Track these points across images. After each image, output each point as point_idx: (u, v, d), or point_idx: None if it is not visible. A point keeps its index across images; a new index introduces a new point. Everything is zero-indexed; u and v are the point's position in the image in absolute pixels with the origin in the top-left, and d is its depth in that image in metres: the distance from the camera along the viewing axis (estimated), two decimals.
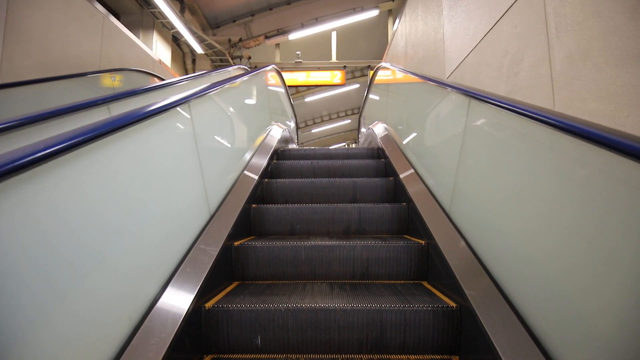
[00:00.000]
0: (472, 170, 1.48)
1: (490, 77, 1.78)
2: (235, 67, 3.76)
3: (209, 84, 1.84)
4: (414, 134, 2.55)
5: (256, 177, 2.52)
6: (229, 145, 2.27)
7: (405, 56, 3.62)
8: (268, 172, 3.05)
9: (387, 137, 3.44)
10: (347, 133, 21.71)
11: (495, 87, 1.72)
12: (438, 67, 2.61)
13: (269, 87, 3.99)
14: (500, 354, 1.00)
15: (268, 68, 3.81)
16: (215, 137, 1.99)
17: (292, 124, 6.06)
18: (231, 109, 2.42)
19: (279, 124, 4.45)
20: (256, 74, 3.27)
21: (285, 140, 4.58)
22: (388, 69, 3.63)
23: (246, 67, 4.05)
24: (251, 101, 3.09)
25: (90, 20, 3.74)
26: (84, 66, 3.59)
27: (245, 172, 2.48)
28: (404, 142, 2.80)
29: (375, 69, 4.37)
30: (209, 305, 1.37)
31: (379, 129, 3.91)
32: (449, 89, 1.70)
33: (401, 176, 2.44)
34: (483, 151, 1.43)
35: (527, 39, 1.47)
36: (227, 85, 2.13)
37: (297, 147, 5.94)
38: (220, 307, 1.36)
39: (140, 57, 4.95)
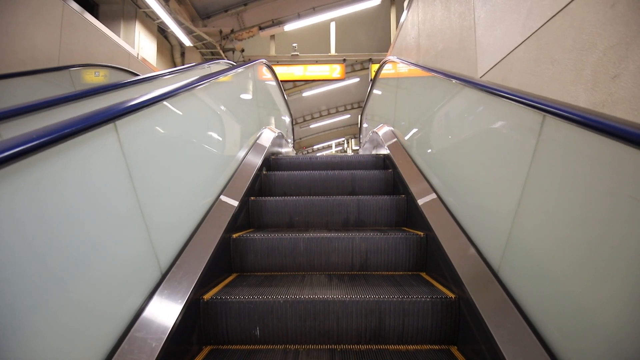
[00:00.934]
0: (544, 218, 1.00)
1: (560, 80, 1.24)
2: (215, 62, 3.19)
3: (157, 92, 1.28)
4: (435, 149, 2.02)
5: (236, 203, 1.99)
6: (197, 169, 1.73)
7: (417, 49, 3.05)
8: (255, 189, 2.53)
9: (396, 146, 2.90)
10: (346, 128, 21.17)
11: (571, 96, 1.17)
12: (465, 63, 2.06)
13: (258, 86, 3.43)
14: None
15: (256, 63, 3.24)
16: (172, 162, 1.45)
17: (287, 125, 5.49)
18: (200, 121, 1.88)
19: (271, 127, 3.90)
20: (240, 71, 2.71)
21: (279, 145, 4.03)
22: (396, 63, 3.07)
23: (232, 62, 3.48)
24: (233, 105, 2.54)
25: (44, 7, 3.16)
26: (38, 61, 3.02)
27: (222, 197, 1.95)
28: (420, 155, 2.27)
29: (381, 63, 3.80)
30: (207, 297, 1.37)
31: (386, 134, 3.36)
32: (499, 96, 1.16)
33: (420, 202, 1.92)
34: (568, 195, 0.90)
35: (637, 24, 0.93)
36: (187, 91, 1.57)
37: (292, 153, 5.38)
38: (219, 298, 1.37)
39: (113, 50, 4.36)
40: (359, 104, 17.70)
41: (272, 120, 4.16)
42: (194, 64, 2.55)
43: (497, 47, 1.73)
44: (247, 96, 2.96)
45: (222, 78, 2.17)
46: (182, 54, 8.89)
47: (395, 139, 3.02)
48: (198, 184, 1.71)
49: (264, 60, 3.54)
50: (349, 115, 18.60)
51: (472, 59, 2.00)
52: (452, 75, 1.52)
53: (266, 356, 1.28)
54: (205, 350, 1.32)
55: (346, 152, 23.94)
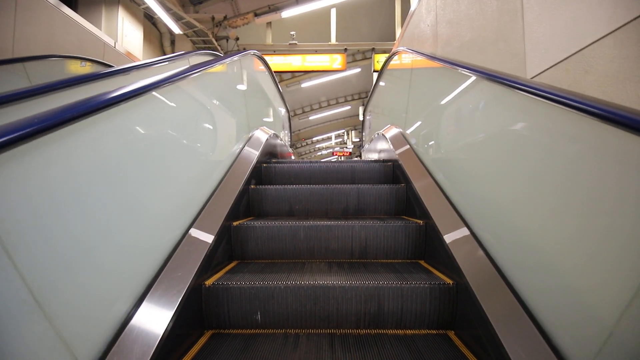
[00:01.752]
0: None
1: None
2: (195, 53, 2.69)
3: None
4: (466, 170, 1.57)
5: (211, 238, 1.55)
6: (153, 197, 1.28)
7: (434, 39, 2.56)
8: (241, 210, 2.09)
9: (409, 155, 2.45)
10: (346, 119, 20.68)
11: None
12: (506, 58, 1.59)
13: (247, 82, 2.95)
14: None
15: (244, 55, 2.75)
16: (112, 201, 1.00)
17: (283, 121, 5.01)
18: (163, 132, 1.42)
19: (263, 128, 3.43)
20: (222, 65, 2.23)
21: (272, 148, 3.57)
22: (411, 56, 2.59)
23: (217, 53, 2.98)
24: (213, 108, 2.08)
25: None
26: None
27: (192, 230, 1.51)
28: (442, 172, 1.83)
29: (390, 55, 3.31)
30: (209, 282, 1.39)
31: (395, 138, 2.90)
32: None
33: (447, 239, 1.48)
34: None
35: None
36: (139, 96, 1.12)
37: (289, 151, 4.91)
38: (221, 284, 1.39)
39: (83, 39, 3.83)
40: (359, 95, 17.14)
41: (265, 120, 3.68)
42: (161, 57, 2.07)
43: (560, 39, 1.26)
44: (232, 95, 2.49)
45: (196, 75, 1.71)
46: (172, 42, 8.31)
47: (407, 146, 2.56)
48: (150, 225, 1.26)
49: (255, 52, 3.05)
50: (349, 107, 18.06)
51: (518, 54, 1.53)
52: (524, 84, 1.03)
53: (267, 340, 1.29)
54: (207, 334, 1.34)
55: (346, 144, 23.49)
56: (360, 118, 15.92)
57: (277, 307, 1.37)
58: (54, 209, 0.80)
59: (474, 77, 1.40)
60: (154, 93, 1.31)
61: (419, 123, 2.41)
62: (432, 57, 1.82)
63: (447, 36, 2.44)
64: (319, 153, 28.30)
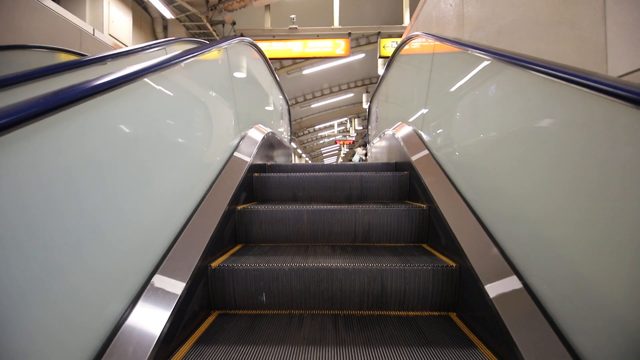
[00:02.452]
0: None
1: None
2: (177, 40, 2.26)
3: None
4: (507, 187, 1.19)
5: (179, 289, 1.19)
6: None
7: (459, 21, 2.12)
8: (225, 236, 1.73)
9: (428, 163, 2.05)
10: (349, 107, 20.13)
11: None
12: (571, 47, 1.19)
13: (237, 75, 2.53)
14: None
15: (232, 43, 2.32)
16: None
17: (281, 115, 4.59)
18: (127, 144, 1.05)
19: (259, 126, 3.02)
20: (204, 56, 1.82)
21: (269, 149, 3.18)
22: (430, 40, 2.16)
23: (201, 40, 2.55)
24: (192, 109, 1.68)
25: None
26: None
27: (155, 277, 1.15)
28: (474, 191, 1.45)
29: (403, 41, 2.86)
30: (214, 264, 1.43)
31: (409, 139, 2.50)
32: None
33: (482, 278, 1.11)
34: None
35: None
36: (97, 95, 0.77)
37: (288, 151, 4.51)
38: (226, 266, 1.43)
39: (56, 26, 3.38)
40: (363, 81, 16.53)
41: (260, 116, 3.27)
42: (127, 48, 1.66)
43: None
44: (216, 92, 2.09)
45: (167, 69, 1.32)
46: (165, 28, 7.80)
47: (426, 152, 2.16)
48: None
49: (246, 39, 2.61)
50: (352, 94, 17.48)
51: (593, 42, 1.11)
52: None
53: (272, 320, 1.33)
54: (214, 314, 1.39)
55: (349, 132, 22.97)
56: (364, 106, 15.39)
57: (282, 288, 1.41)
58: None
59: (553, 80, 0.96)
60: (100, 98, 0.92)
61: (442, 125, 2.01)
62: (473, 47, 1.39)
63: (478, 18, 1.99)
64: (322, 141, 27.77)
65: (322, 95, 17.61)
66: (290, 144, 5.13)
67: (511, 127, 1.20)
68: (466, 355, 1.08)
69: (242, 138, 2.47)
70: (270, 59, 4.00)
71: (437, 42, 1.98)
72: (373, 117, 4.91)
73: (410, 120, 2.75)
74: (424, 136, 2.33)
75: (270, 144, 3.23)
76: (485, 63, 1.36)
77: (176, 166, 1.42)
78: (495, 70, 1.32)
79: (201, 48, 1.76)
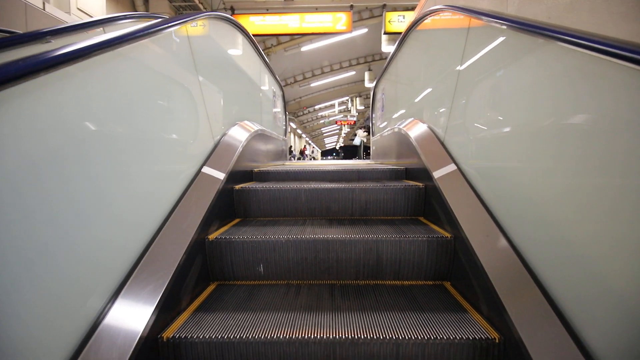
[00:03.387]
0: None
1: None
2: (124, 16, 1.68)
3: None
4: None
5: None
6: None
7: None
8: (188, 278, 1.27)
9: (456, 179, 1.55)
10: (350, 85, 19.32)
11: None
12: None
13: (205, 62, 1.97)
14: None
15: (200, 18, 1.75)
16: None
17: (273, 104, 4.01)
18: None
19: (244, 123, 2.49)
20: (148, 34, 1.26)
21: (258, 147, 2.65)
22: (465, 16, 1.62)
23: (164, 16, 1.97)
24: (143, 110, 1.16)
25: None
26: None
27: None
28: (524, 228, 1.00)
29: (421, 16, 2.27)
30: (212, 237, 1.46)
31: (426, 144, 1.98)
32: None
33: None
34: None
35: None
36: None
37: (283, 150, 3.96)
38: (223, 238, 1.46)
39: None
40: (365, 58, 15.66)
41: (246, 111, 2.72)
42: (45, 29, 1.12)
43: None
44: (180, 86, 1.54)
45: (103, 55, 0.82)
46: (146, 1, 7.01)
47: (453, 167, 1.64)
48: None
49: (219, 14, 2.02)
50: (353, 72, 16.62)
51: None
52: None
53: (270, 290, 1.38)
54: (212, 285, 1.44)
55: (350, 111, 22.20)
56: (366, 85, 14.59)
57: (279, 260, 1.45)
58: None
59: None
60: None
61: (480, 131, 1.48)
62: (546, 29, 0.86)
63: None
64: (322, 121, 26.97)
65: (322, 73, 16.75)
66: (285, 135, 4.58)
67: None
68: (457, 318, 1.14)
69: (218, 144, 1.94)
70: (263, 35, 3.38)
71: (480, 20, 1.42)
72: (378, 105, 4.32)
73: (427, 117, 2.21)
74: (448, 142, 1.80)
75: (258, 143, 2.70)
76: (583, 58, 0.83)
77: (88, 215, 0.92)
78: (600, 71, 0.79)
79: (151, 27, 1.21)
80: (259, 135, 2.73)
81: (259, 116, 3.14)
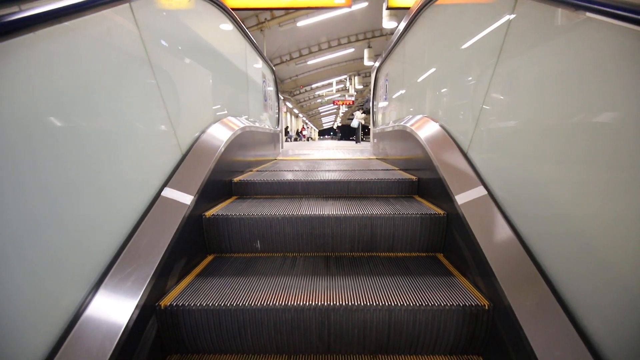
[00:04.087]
0: None
1: None
2: None
3: None
4: None
5: None
6: None
7: None
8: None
9: (486, 209, 1.20)
10: (349, 63, 18.57)
11: None
12: None
13: (168, 49, 1.54)
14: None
15: None
16: None
17: (266, 87, 3.57)
18: None
19: (228, 120, 2.09)
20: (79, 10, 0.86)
21: (242, 148, 2.26)
22: None
23: None
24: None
25: None
26: None
27: None
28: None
29: None
30: (209, 214, 1.50)
31: (443, 153, 1.61)
32: None
33: None
34: None
35: None
36: None
37: (273, 148, 3.55)
38: (220, 215, 1.50)
39: None
40: (365, 34, 14.87)
41: (227, 103, 2.31)
42: None
43: None
44: (118, 79, 1.14)
45: None
46: None
47: (482, 191, 1.28)
48: None
49: None
50: (352, 49, 15.86)
51: None
52: None
53: (266, 261, 1.43)
54: (209, 257, 1.48)
55: (348, 91, 21.51)
56: (366, 63, 13.90)
57: (276, 235, 1.51)
58: None
59: None
60: None
61: (527, 146, 1.11)
62: None
63: None
64: (319, 100, 26.20)
65: (320, 50, 15.96)
66: (278, 125, 4.16)
67: None
68: (446, 283, 1.22)
69: (187, 152, 1.56)
70: (253, 9, 2.90)
71: None
72: (380, 92, 3.88)
73: (445, 118, 1.81)
74: (475, 155, 1.42)
75: (243, 143, 2.31)
76: None
77: None
78: None
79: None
80: (245, 134, 2.33)
81: (246, 107, 2.73)
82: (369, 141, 7.92)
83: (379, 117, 3.95)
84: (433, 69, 2.08)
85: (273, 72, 3.91)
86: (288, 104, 21.98)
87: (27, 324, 0.72)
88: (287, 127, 21.64)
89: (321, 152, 4.57)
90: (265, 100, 3.51)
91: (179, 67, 1.59)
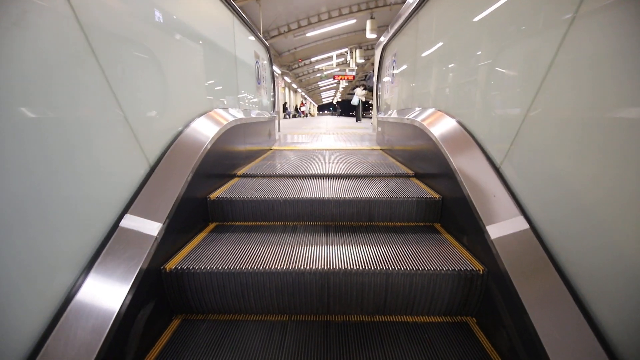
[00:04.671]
0: None
1: None
2: None
3: None
4: None
5: None
6: None
7: None
8: None
9: (531, 251, 0.94)
10: (350, 35, 17.71)
11: None
12: None
13: (129, 25, 1.21)
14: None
15: None
16: None
17: (260, 71, 3.19)
18: None
19: (216, 112, 1.79)
20: None
21: (228, 147, 1.96)
22: None
23: None
24: None
25: None
26: None
27: None
28: None
29: None
30: (213, 196, 1.61)
31: (470, 164, 1.34)
32: None
33: None
34: None
35: None
36: None
37: (267, 138, 3.21)
38: (224, 197, 1.61)
39: None
40: (367, 4, 14.03)
41: (211, 93, 1.98)
42: None
43: None
44: (44, 73, 0.84)
45: None
46: None
47: (523, 224, 1.01)
48: None
49: None
50: (354, 21, 15.00)
51: None
52: None
53: (267, 229, 1.52)
54: (212, 225, 1.59)
55: (349, 65, 20.70)
56: (368, 35, 13.16)
57: (278, 216, 1.63)
58: None
59: None
60: None
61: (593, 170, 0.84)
62: None
63: None
64: (318, 74, 25.26)
65: (320, 21, 15.10)
66: (274, 109, 3.81)
67: None
68: (436, 239, 1.38)
69: (156, 165, 1.27)
70: None
71: None
72: (385, 73, 3.50)
73: (470, 119, 1.51)
74: (511, 173, 1.14)
75: (230, 142, 2.00)
76: None
77: None
78: None
79: None
80: (233, 129, 2.02)
81: (234, 95, 2.39)
82: (369, 118, 7.53)
83: (385, 103, 3.60)
84: (457, 52, 1.74)
85: (267, 49, 3.52)
86: (286, 78, 21.20)
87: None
88: (285, 104, 21.01)
89: (320, 142, 4.25)
90: (259, 83, 3.16)
91: (138, 52, 1.26)
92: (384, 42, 3.43)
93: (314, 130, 6.57)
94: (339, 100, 43.78)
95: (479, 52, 1.45)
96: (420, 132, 1.91)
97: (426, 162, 1.88)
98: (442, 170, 1.57)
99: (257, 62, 3.07)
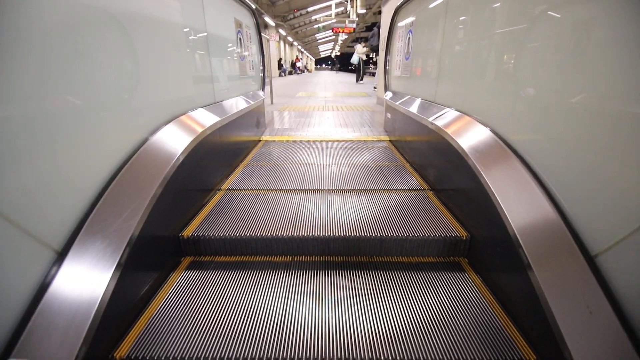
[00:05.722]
0: None
1: None
2: None
3: None
4: None
5: None
6: None
7: None
8: None
9: None
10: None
11: None
12: None
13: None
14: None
15: None
16: None
17: (247, 47, 2.58)
18: None
19: (188, 117, 1.31)
20: None
21: (203, 158, 1.50)
22: None
23: None
24: None
25: None
26: None
27: None
28: None
29: None
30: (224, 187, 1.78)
31: (526, 209, 0.92)
32: None
33: None
34: None
35: None
36: None
37: (256, 131, 2.68)
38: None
39: None
40: None
41: (175, 90, 1.46)
42: None
43: None
44: None
45: None
46: None
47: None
48: None
49: None
50: None
51: None
52: None
53: (271, 193, 1.66)
54: (220, 193, 1.71)
55: (349, 16, 19.01)
56: None
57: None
58: None
59: None
60: None
61: None
62: None
63: None
64: (316, 26, 23.33)
65: None
66: (263, 88, 3.22)
67: None
68: (420, 194, 1.59)
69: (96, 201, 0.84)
70: None
71: None
72: (397, 44, 2.88)
73: (524, 127, 1.04)
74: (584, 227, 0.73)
75: (205, 154, 1.52)
76: None
77: None
78: None
79: None
80: (208, 138, 1.53)
81: (209, 84, 1.86)
82: (372, 75, 6.81)
83: (394, 81, 3.02)
84: (507, 33, 1.21)
85: (253, 13, 2.85)
86: (281, 31, 19.57)
87: None
88: (280, 60, 19.62)
89: (317, 127, 3.72)
90: (243, 60, 2.57)
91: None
92: (398, 5, 2.77)
93: (310, 102, 5.95)
94: (338, 54, 41.34)
95: (551, 41, 0.94)
96: (449, 147, 1.44)
97: (457, 192, 1.44)
98: (486, 211, 1.14)
99: (239, 31, 2.46)
